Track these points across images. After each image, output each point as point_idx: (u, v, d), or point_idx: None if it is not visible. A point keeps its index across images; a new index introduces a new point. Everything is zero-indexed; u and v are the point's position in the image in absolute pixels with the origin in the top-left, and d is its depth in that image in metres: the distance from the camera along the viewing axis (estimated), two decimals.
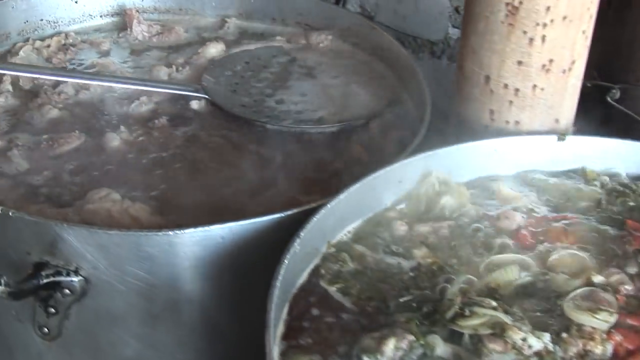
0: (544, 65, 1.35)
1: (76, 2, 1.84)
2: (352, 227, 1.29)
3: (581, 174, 1.39)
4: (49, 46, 1.77)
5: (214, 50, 1.78)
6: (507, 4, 1.31)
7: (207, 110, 1.60)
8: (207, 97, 1.60)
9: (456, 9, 1.97)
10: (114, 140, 1.49)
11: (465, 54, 1.42)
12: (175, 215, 1.33)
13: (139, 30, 1.84)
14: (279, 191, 1.42)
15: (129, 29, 1.83)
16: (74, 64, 1.74)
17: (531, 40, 1.33)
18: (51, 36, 1.82)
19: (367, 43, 1.78)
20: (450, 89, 1.57)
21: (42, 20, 1.82)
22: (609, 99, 1.59)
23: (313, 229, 1.19)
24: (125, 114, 1.58)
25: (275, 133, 1.55)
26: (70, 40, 1.80)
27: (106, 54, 1.80)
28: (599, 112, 1.61)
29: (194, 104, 1.60)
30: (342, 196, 1.25)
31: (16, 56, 1.73)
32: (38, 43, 1.78)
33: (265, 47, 1.79)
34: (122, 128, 1.52)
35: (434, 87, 1.62)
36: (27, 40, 1.80)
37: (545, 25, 1.31)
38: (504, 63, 1.36)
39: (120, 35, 1.86)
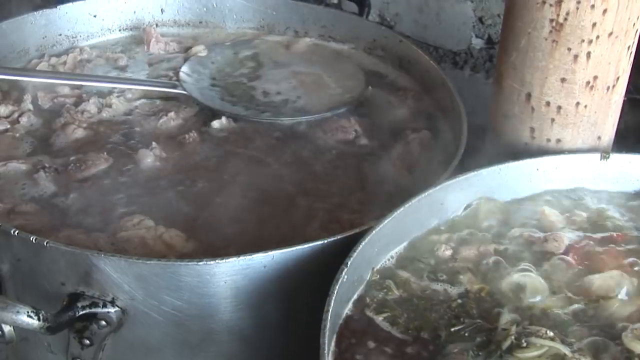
0: (588, 83, 1.32)
1: (95, 16, 1.79)
2: (394, 252, 1.26)
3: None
4: (65, 63, 1.73)
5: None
6: (552, 20, 1.27)
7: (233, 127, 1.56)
8: (184, 92, 1.58)
9: (480, 19, 1.93)
10: (147, 157, 1.44)
11: (504, 71, 1.38)
12: (212, 240, 1.28)
13: (157, 48, 1.80)
14: (316, 208, 1.38)
15: (146, 47, 1.78)
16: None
17: (576, 57, 1.29)
18: (67, 51, 1.76)
19: (394, 56, 1.74)
20: (473, 99, 1.54)
21: (60, 35, 1.78)
22: None
23: (358, 256, 1.15)
24: (153, 131, 1.53)
25: (299, 145, 1.52)
26: (86, 56, 1.75)
27: (123, 69, 1.75)
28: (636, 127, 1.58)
29: (216, 124, 1.55)
30: (387, 220, 1.21)
31: None
32: (54, 59, 1.73)
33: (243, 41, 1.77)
34: (154, 144, 1.46)
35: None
36: (42, 56, 1.74)
37: (590, 41, 1.28)
38: (547, 80, 1.32)
39: (138, 50, 1.80)
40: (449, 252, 1.26)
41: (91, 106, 1.58)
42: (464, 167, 1.37)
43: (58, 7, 1.76)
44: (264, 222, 1.37)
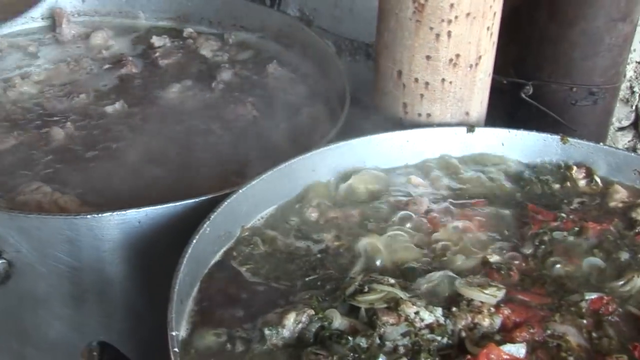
0: (451, 60, 1.42)
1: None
2: (265, 213, 1.35)
3: (488, 162, 1.45)
4: None
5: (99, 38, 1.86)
6: (414, 1, 1.38)
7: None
8: None
9: None
10: (59, 135, 1.54)
11: (379, 50, 1.49)
12: (106, 204, 1.38)
13: (68, 32, 1.89)
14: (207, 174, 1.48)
15: (57, 28, 1.88)
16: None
17: (437, 36, 1.40)
18: None
19: (297, 43, 1.84)
20: None
21: None
22: (523, 94, 1.67)
23: (225, 213, 1.25)
24: (65, 107, 1.63)
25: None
26: None
27: (33, 56, 1.84)
28: (518, 108, 1.69)
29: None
30: (255, 182, 1.31)
31: None
32: None
33: None
34: (69, 124, 1.57)
35: (364, 86, 1.69)
36: None
37: (450, 21, 1.39)
38: (414, 58, 1.43)
39: (48, 36, 1.90)
40: (315, 214, 1.35)
41: None
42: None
43: None
44: (161, 190, 1.46)
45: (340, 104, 1.64)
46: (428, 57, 1.42)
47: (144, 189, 1.46)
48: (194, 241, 1.17)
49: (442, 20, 1.39)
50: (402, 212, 1.36)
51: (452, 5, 1.37)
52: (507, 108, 1.69)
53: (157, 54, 1.85)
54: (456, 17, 1.39)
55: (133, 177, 1.50)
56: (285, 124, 1.63)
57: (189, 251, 1.16)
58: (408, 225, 1.34)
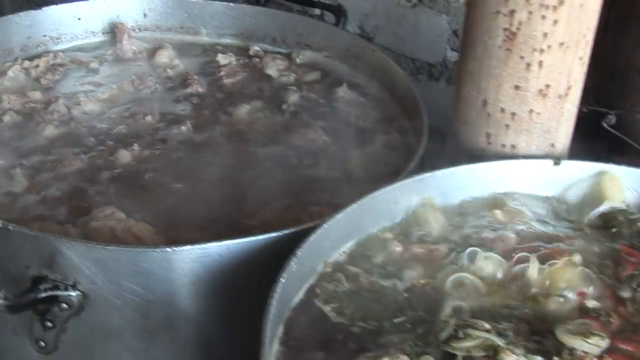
0: (540, 90, 1.37)
1: (79, 18, 1.85)
2: (347, 246, 1.30)
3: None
4: (37, 66, 1.78)
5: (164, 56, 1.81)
6: (505, 29, 1.33)
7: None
8: None
9: (455, 32, 1.99)
10: (125, 157, 1.49)
11: (463, 78, 1.43)
12: (181, 233, 1.34)
13: (129, 48, 1.85)
14: (278, 206, 1.44)
15: (118, 44, 1.84)
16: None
17: (528, 65, 1.34)
18: (39, 55, 1.82)
19: (366, 64, 1.79)
20: (447, 110, 1.59)
21: (45, 36, 1.83)
22: (604, 124, 1.60)
23: (310, 248, 1.20)
24: (128, 131, 1.59)
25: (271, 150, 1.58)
26: (59, 60, 1.80)
27: (95, 72, 1.80)
28: (596, 137, 1.63)
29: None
30: (340, 216, 1.26)
31: (4, 76, 1.73)
32: (27, 63, 1.78)
33: None
34: (135, 145, 1.53)
35: (431, 109, 1.64)
36: (16, 59, 1.80)
37: (542, 51, 1.33)
38: (501, 87, 1.38)
39: (109, 52, 1.86)
40: (399, 249, 1.30)
41: (60, 106, 1.63)
42: (425, 170, 1.42)
43: (42, 8, 1.81)
44: (236, 219, 1.42)
45: (414, 132, 1.59)
46: (516, 87, 1.37)
47: (213, 216, 1.43)
48: (283, 280, 1.12)
49: (534, 50, 1.33)
50: (488, 250, 1.30)
51: (545, 35, 1.31)
52: (584, 138, 1.63)
53: (223, 73, 1.80)
54: (549, 47, 1.33)
55: (202, 203, 1.45)
56: (357, 151, 1.58)
57: (278, 291, 1.11)
58: (494, 263, 1.28)
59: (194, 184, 1.48)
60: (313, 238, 1.21)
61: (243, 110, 1.68)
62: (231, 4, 1.91)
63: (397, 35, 2.09)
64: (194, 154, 1.55)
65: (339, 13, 1.90)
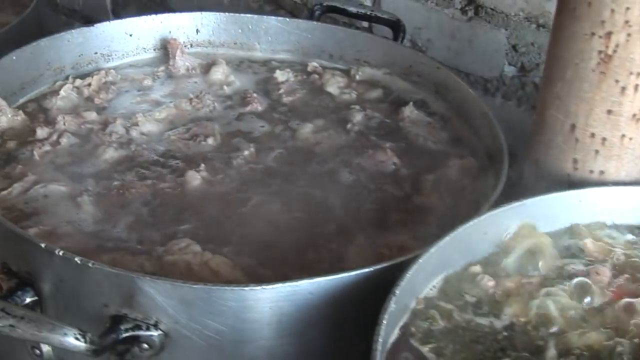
0: (634, 115, 1.31)
1: (130, 35, 1.79)
2: (437, 281, 1.25)
3: None
4: (89, 85, 1.72)
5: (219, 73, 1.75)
6: (600, 52, 1.27)
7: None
8: None
9: (514, 47, 1.93)
10: (195, 180, 1.43)
11: (547, 101, 1.37)
12: (259, 266, 1.29)
13: (182, 62, 1.79)
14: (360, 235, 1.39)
15: (171, 60, 1.78)
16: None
17: (623, 89, 1.29)
18: (90, 73, 1.76)
19: (430, 82, 1.73)
20: (504, 126, 1.54)
21: (96, 53, 1.78)
22: None
23: (404, 285, 1.14)
24: (193, 152, 1.53)
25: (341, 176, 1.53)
26: (111, 78, 1.74)
27: (149, 90, 1.75)
28: None
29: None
30: (433, 249, 1.21)
31: (56, 95, 1.67)
32: (79, 82, 1.73)
33: None
34: (202, 166, 1.47)
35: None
36: (67, 77, 1.74)
37: (639, 74, 1.27)
38: (592, 112, 1.32)
39: (162, 69, 1.80)
40: (491, 283, 1.24)
41: (118, 127, 1.57)
42: (503, 195, 1.36)
43: (95, 25, 1.75)
44: (311, 249, 1.37)
45: (487, 154, 1.53)
46: (609, 112, 1.31)
47: (289, 246, 1.37)
48: (384, 322, 1.07)
49: (631, 73, 1.27)
50: (582, 282, 1.24)
51: None
52: None
53: (282, 91, 1.74)
54: None
55: (276, 231, 1.40)
56: (431, 175, 1.52)
57: (381, 333, 1.05)
58: (592, 296, 1.22)
59: (266, 211, 1.41)
60: (409, 275, 1.15)
61: (307, 129, 1.62)
62: (287, 19, 1.85)
63: (451, 49, 2.03)
64: (262, 178, 1.48)
65: (398, 28, 1.84)
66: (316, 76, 1.80)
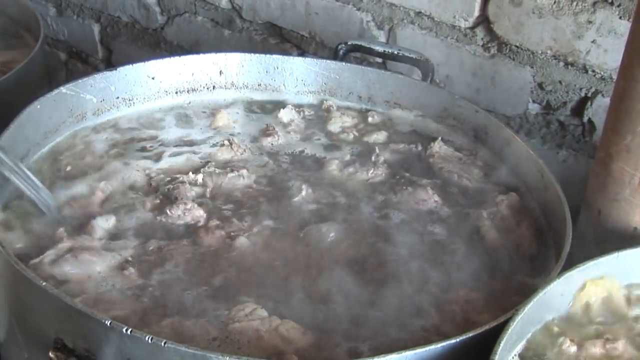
0: None
1: (153, 78, 1.71)
2: (519, 348, 1.21)
3: None
4: None
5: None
6: None
7: None
8: None
9: (540, 85, 1.89)
10: (241, 243, 1.37)
11: (615, 153, 1.34)
12: (329, 331, 1.23)
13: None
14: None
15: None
16: None
17: None
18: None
19: (468, 126, 1.68)
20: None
21: (117, 98, 1.69)
22: None
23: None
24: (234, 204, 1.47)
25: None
26: None
27: None
28: None
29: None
30: (519, 317, 1.16)
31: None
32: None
33: None
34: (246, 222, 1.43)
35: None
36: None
37: None
38: None
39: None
40: (573, 348, 1.19)
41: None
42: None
43: (117, 69, 1.67)
44: (378, 307, 1.31)
45: (539, 202, 1.49)
46: None
47: (348, 306, 1.31)
48: None
49: None
50: None
51: None
52: None
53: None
54: None
55: (335, 289, 1.33)
56: (476, 214, 1.47)
57: None
58: None
59: (320, 266, 1.35)
60: (501, 346, 1.10)
61: (333, 166, 1.58)
62: (314, 60, 1.79)
63: (471, 86, 1.98)
64: (306, 228, 1.42)
65: (426, 68, 1.78)
66: (326, 114, 1.75)
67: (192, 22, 2.47)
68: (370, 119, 1.78)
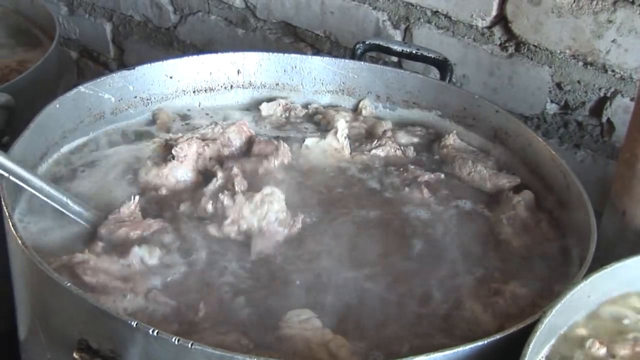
0: None
1: (171, 77, 1.70)
2: (547, 348, 1.19)
3: None
4: None
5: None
6: None
7: None
8: None
9: (558, 85, 1.88)
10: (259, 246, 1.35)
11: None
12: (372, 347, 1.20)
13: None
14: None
15: None
16: None
17: None
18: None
19: (487, 126, 1.67)
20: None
21: (135, 97, 1.68)
22: None
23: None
24: None
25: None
26: None
27: None
28: None
29: None
30: (547, 318, 1.15)
31: None
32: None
33: None
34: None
35: None
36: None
37: None
38: None
39: None
40: (602, 351, 1.18)
41: None
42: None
43: (136, 68, 1.66)
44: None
45: (560, 204, 1.48)
46: None
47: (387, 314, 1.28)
48: None
49: None
50: None
51: None
52: None
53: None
54: None
55: (367, 298, 1.31)
56: (497, 213, 1.46)
57: None
58: None
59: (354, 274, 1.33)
60: (531, 348, 1.09)
61: None
62: (333, 59, 1.77)
63: (488, 86, 1.98)
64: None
65: (445, 67, 1.77)
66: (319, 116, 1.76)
67: (206, 21, 2.47)
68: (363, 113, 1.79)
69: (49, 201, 1.34)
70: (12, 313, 1.41)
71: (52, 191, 1.35)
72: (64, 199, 1.35)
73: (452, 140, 1.67)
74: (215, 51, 1.76)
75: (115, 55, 2.80)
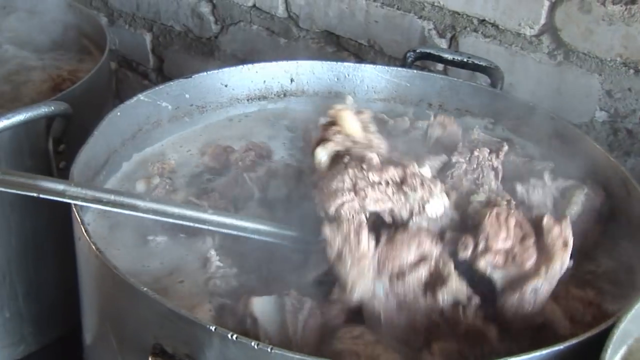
0: None
1: (226, 85, 1.72)
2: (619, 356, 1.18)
3: None
4: None
5: None
6: None
7: None
8: None
9: (608, 92, 1.88)
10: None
11: None
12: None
13: None
14: None
15: None
16: None
17: None
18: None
19: (543, 134, 1.67)
20: None
21: (191, 105, 1.70)
22: None
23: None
24: None
25: None
26: None
27: None
28: None
29: None
30: (622, 325, 1.14)
31: None
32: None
33: None
34: None
35: None
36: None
37: None
38: None
39: None
40: None
41: None
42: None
43: (193, 76, 1.68)
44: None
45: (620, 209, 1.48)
46: None
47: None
48: None
49: None
50: None
51: None
52: None
53: None
54: None
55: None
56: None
57: None
58: None
59: None
60: (609, 353, 1.09)
61: None
62: (385, 67, 1.78)
63: (536, 94, 1.98)
64: None
65: (497, 75, 1.78)
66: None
67: (247, 31, 2.48)
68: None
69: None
70: (72, 318, 1.42)
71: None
72: None
73: (476, 134, 1.65)
74: (269, 60, 1.77)
75: (155, 66, 2.82)
